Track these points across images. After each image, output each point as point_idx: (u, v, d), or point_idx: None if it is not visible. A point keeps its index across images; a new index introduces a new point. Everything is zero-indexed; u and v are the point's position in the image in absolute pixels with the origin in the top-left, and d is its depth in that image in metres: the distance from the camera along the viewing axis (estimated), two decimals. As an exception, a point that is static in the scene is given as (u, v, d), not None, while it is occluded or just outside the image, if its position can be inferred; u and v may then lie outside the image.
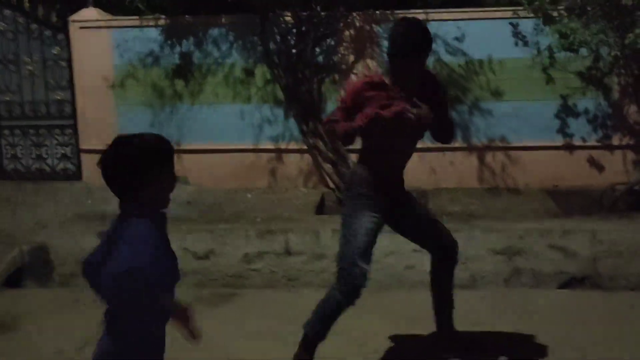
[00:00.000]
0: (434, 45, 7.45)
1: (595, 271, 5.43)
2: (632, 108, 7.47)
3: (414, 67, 3.69)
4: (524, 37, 7.39)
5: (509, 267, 5.49)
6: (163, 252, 2.49)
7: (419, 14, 7.38)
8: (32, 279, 5.93)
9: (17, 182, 8.10)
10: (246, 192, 7.48)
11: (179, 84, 7.96)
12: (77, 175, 8.22)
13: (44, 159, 8.34)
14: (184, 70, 7.95)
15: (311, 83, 7.44)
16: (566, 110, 7.54)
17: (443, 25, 7.48)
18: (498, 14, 7.45)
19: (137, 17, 7.87)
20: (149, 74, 7.97)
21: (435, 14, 7.53)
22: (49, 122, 8.27)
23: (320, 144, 7.32)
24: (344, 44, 7.73)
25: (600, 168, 7.55)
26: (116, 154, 2.41)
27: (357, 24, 7.67)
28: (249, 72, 7.83)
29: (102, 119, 8.01)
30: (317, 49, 7.58)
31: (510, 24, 7.37)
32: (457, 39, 7.54)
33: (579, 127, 7.55)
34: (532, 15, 7.00)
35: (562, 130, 7.56)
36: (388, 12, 7.58)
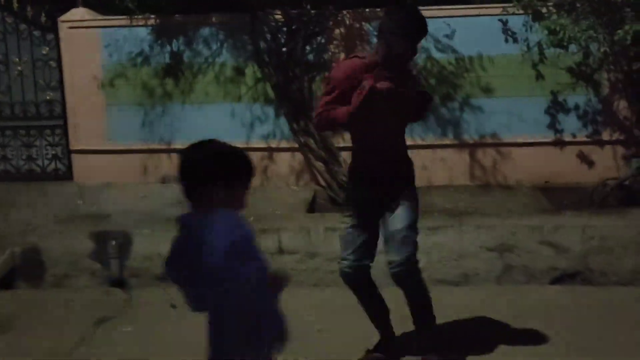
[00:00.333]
0: (424, 43, 7.56)
1: (587, 267, 5.46)
2: (622, 103, 7.50)
3: (411, 48, 3.79)
4: (514, 33, 7.41)
5: (500, 263, 5.50)
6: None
7: (408, 12, 7.42)
8: (24, 280, 5.91)
9: (8, 183, 8.06)
10: (238, 191, 7.47)
11: (169, 83, 7.95)
12: (67, 175, 8.19)
13: (34, 159, 8.31)
14: (174, 69, 7.93)
15: (302, 81, 7.44)
16: (556, 106, 7.57)
17: (433, 22, 7.42)
18: (487, 11, 7.46)
19: (126, 16, 7.84)
20: (139, 73, 7.96)
21: (425, 11, 7.46)
22: (39, 123, 8.24)
23: (312, 142, 7.33)
24: (334, 42, 7.73)
25: (590, 163, 7.58)
26: (203, 159, 2.52)
27: (347, 22, 7.67)
28: (240, 71, 7.83)
29: (92, 119, 7.99)
30: (308, 47, 7.58)
31: (500, 20, 7.38)
32: (447, 36, 7.55)
33: (569, 123, 7.58)
34: (521, 11, 7.02)
35: (553, 126, 7.59)
36: (378, 9, 7.57)
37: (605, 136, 7.56)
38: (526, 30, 7.29)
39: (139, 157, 7.95)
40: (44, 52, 8.13)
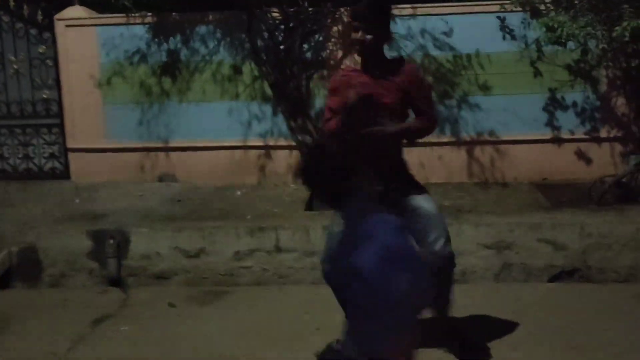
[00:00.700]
0: (422, 40, 7.56)
1: (585, 264, 5.45)
2: (620, 100, 7.48)
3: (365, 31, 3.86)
4: (512, 30, 7.39)
5: (498, 261, 5.50)
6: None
7: (406, 9, 7.41)
8: (21, 279, 5.90)
9: (5, 182, 8.04)
10: (235, 189, 7.46)
11: (167, 81, 7.93)
12: (64, 174, 8.17)
13: (31, 158, 8.29)
14: (171, 67, 7.91)
15: (299, 79, 7.42)
16: (554, 104, 7.55)
17: (430, 19, 7.48)
18: (485, 8, 7.43)
19: (123, 14, 7.81)
20: (136, 71, 7.93)
21: (422, 9, 7.53)
22: (35, 121, 8.22)
23: (309, 140, 7.30)
24: (332, 39, 7.72)
25: (588, 161, 7.57)
26: (336, 156, 2.48)
27: (345, 20, 7.65)
28: (237, 69, 7.81)
29: (89, 117, 7.98)
30: (305, 45, 7.56)
31: (498, 17, 7.37)
32: (444, 33, 7.53)
33: (567, 120, 7.56)
34: (519, 8, 7.00)
35: (551, 124, 7.57)
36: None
37: (604, 133, 7.55)
38: (524, 28, 7.27)
39: (136, 155, 7.94)
40: (40, 50, 8.11)
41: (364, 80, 3.91)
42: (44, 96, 8.17)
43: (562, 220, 5.70)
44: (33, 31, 8.12)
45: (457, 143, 7.65)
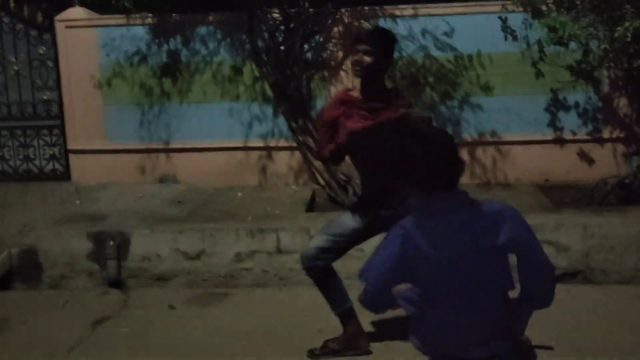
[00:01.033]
0: (423, 41, 7.54)
1: (588, 265, 5.43)
2: (622, 101, 7.47)
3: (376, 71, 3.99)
4: (513, 31, 7.37)
5: (501, 262, 5.47)
6: None
7: (407, 9, 7.40)
8: (22, 281, 5.89)
9: (5, 184, 8.03)
10: (236, 191, 7.44)
11: (167, 82, 7.91)
12: (65, 175, 8.15)
13: (31, 159, 8.27)
14: (171, 68, 7.89)
15: (300, 80, 7.40)
16: (556, 104, 7.53)
17: (432, 20, 7.46)
18: (487, 9, 7.42)
19: (123, 15, 7.81)
20: (136, 72, 7.92)
21: (423, 9, 7.51)
22: (36, 123, 8.20)
23: (310, 141, 7.28)
24: (333, 40, 7.70)
25: (590, 161, 7.55)
26: (442, 146, 2.48)
27: (346, 21, 7.63)
28: (238, 70, 7.79)
29: (89, 118, 7.96)
30: (306, 46, 7.54)
31: (499, 18, 7.34)
32: (445, 33, 7.51)
33: (569, 121, 7.54)
34: (521, 9, 6.98)
35: (553, 124, 7.55)
36: (377, 8, 7.55)
37: (606, 134, 7.53)
38: (526, 28, 7.25)
39: (136, 156, 7.92)
40: (40, 51, 8.09)
41: (363, 113, 3.98)
42: (45, 97, 8.15)
43: (564, 222, 5.67)
44: (33, 32, 8.10)
45: (459, 144, 7.61)
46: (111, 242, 5.79)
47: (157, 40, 7.90)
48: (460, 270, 2.44)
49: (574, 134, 7.54)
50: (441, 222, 2.46)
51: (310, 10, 7.25)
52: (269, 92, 7.62)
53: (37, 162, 8.26)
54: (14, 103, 8.19)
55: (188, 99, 7.87)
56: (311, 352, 4.28)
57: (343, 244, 4.12)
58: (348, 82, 7.34)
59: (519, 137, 7.53)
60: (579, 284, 5.37)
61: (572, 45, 6.71)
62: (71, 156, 8.11)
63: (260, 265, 5.74)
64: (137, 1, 7.67)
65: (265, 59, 7.44)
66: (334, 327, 4.33)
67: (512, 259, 2.53)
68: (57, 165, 8.21)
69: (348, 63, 3.97)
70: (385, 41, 4.05)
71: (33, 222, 6.43)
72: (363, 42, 3.96)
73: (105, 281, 5.81)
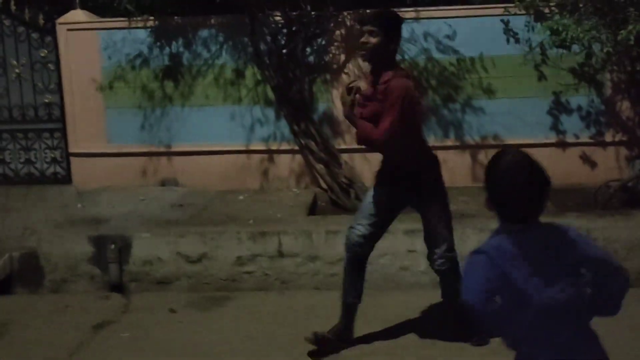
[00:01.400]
0: (425, 44, 7.52)
1: (591, 269, 5.40)
2: (625, 104, 7.44)
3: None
4: (516, 34, 7.35)
5: (504, 266, 5.45)
6: None
7: (409, 12, 7.38)
8: (23, 285, 5.88)
9: (6, 187, 8.00)
10: (238, 194, 7.43)
11: (169, 85, 7.89)
12: (66, 179, 8.13)
13: (33, 163, 8.24)
14: (173, 71, 7.88)
15: (302, 83, 7.39)
16: (559, 107, 7.51)
17: (434, 23, 7.45)
18: (489, 11, 7.40)
19: (125, 18, 7.79)
20: (138, 75, 7.90)
21: (425, 12, 7.50)
22: (37, 126, 8.17)
23: (312, 144, 7.27)
24: (335, 43, 7.68)
25: (593, 165, 7.53)
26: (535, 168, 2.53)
27: (348, 23, 7.62)
28: (239, 73, 7.77)
29: (91, 121, 7.94)
30: (308, 49, 7.53)
31: (502, 21, 7.33)
32: (448, 36, 7.50)
33: (571, 124, 7.52)
34: (523, 12, 6.96)
35: (555, 127, 7.53)
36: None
37: (608, 137, 7.50)
38: (528, 31, 7.22)
39: (138, 160, 7.90)
40: (42, 54, 8.08)
41: (366, 89, 4.16)
42: (46, 100, 8.13)
43: (567, 225, 5.63)
44: (35, 35, 8.08)
45: (461, 147, 7.61)
46: (112, 246, 5.78)
47: (158, 43, 7.88)
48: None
49: (577, 137, 7.52)
50: (533, 248, 2.48)
51: (312, 13, 7.24)
52: (271, 95, 7.60)
53: (38, 166, 8.24)
54: (16, 106, 8.17)
55: (190, 102, 7.85)
56: (312, 353, 4.27)
57: (377, 225, 4.24)
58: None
59: (522, 140, 7.49)
60: (582, 287, 5.34)
61: (575, 48, 6.69)
62: (72, 159, 8.08)
63: (261, 268, 5.73)
64: (138, 4, 7.66)
65: (267, 62, 7.43)
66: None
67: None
68: (59, 169, 8.19)
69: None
70: (390, 22, 4.08)
71: (34, 226, 6.42)
72: (368, 23, 4.00)
73: (106, 285, 5.80)
